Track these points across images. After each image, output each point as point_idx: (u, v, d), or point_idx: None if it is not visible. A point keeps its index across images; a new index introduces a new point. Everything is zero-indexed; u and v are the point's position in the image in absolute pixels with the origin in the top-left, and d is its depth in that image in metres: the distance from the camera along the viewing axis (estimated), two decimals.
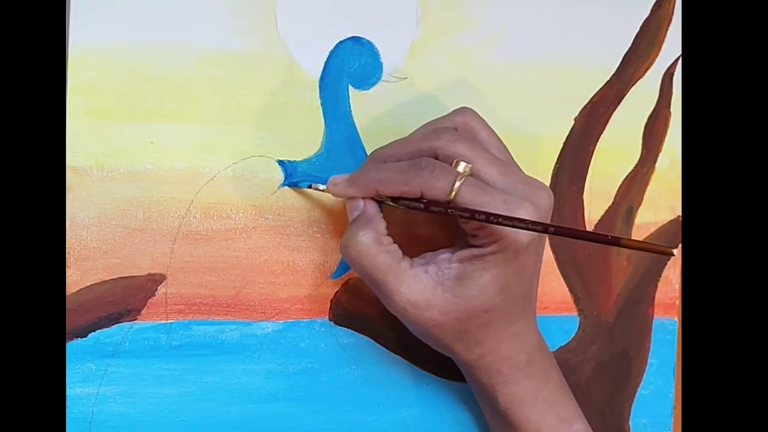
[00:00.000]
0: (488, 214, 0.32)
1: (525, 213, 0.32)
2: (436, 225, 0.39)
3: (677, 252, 0.27)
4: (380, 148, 0.36)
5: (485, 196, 0.33)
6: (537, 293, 0.37)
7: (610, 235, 0.30)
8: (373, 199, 0.35)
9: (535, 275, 0.36)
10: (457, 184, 0.32)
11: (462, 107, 0.36)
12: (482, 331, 0.34)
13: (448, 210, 0.32)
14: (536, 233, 0.33)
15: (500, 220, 0.31)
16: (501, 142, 0.36)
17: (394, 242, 0.34)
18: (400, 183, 0.33)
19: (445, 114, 0.36)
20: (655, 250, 0.29)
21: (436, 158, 0.34)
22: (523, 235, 0.33)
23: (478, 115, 0.36)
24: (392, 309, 0.34)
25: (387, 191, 0.34)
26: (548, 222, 0.34)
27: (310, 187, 0.37)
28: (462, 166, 0.33)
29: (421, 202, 0.33)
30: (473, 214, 0.32)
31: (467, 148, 0.34)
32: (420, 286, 0.33)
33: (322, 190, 0.36)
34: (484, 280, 0.33)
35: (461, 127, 0.35)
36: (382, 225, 0.34)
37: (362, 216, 0.34)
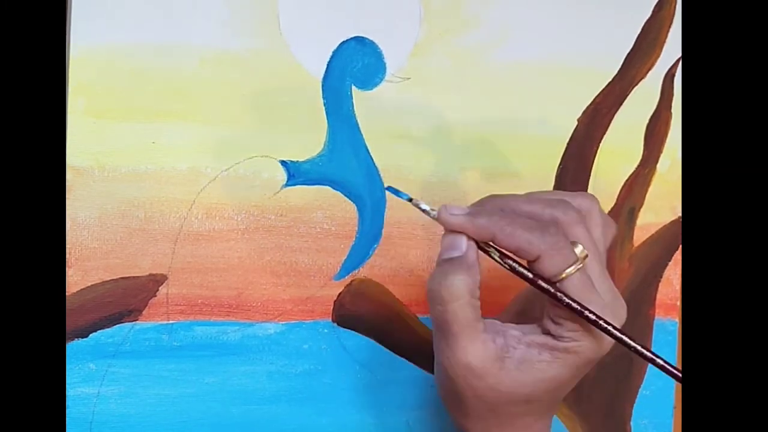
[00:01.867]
0: (596, 315, 0.30)
1: (616, 325, 0.31)
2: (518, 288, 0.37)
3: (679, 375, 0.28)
4: (499, 195, 0.33)
5: (591, 294, 0.31)
6: None
7: (673, 366, 0.29)
8: (478, 245, 0.32)
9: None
10: (573, 267, 0.31)
11: (588, 194, 0.34)
12: (510, 419, 0.33)
13: (556, 291, 0.30)
14: (609, 348, 0.32)
15: (602, 323, 0.30)
16: (606, 244, 0.34)
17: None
18: (523, 239, 0.31)
19: (569, 191, 0.34)
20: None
21: None
22: (604, 348, 0.31)
23: (600, 208, 0.34)
24: (446, 361, 0.32)
25: (504, 242, 0.31)
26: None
27: (410, 200, 0.33)
28: (580, 250, 0.31)
29: (529, 271, 0.31)
30: (582, 309, 0.30)
31: (585, 237, 0.32)
32: (484, 353, 0.31)
33: (425, 210, 0.33)
34: (544, 375, 0.31)
35: (585, 213, 0.33)
36: (478, 277, 0.32)
37: (463, 260, 0.31)
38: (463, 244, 0.32)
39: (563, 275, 0.31)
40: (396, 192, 0.33)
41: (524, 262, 0.32)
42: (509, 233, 0.31)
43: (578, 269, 0.31)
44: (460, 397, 0.32)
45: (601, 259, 0.32)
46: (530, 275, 0.31)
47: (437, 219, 0.32)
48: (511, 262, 0.32)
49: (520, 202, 0.32)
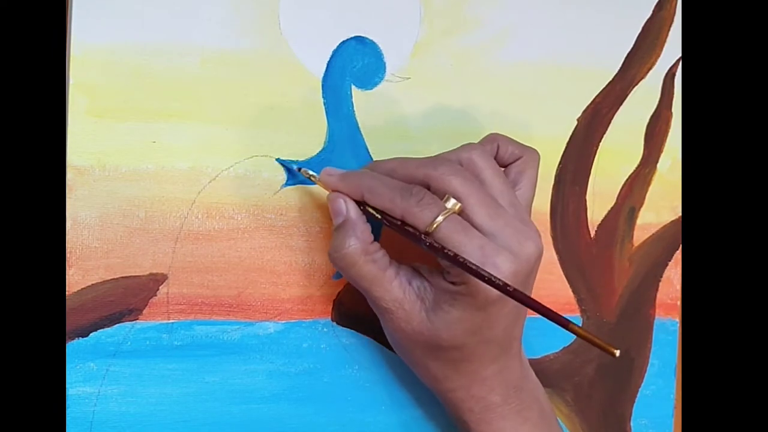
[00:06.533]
0: (457, 257, 0.31)
1: (501, 261, 0.31)
2: None
3: (617, 352, 0.28)
4: (381, 160, 0.36)
5: (463, 236, 0.32)
6: (520, 335, 0.36)
7: (563, 317, 0.29)
8: (357, 204, 0.34)
9: (515, 323, 0.35)
10: (440, 218, 0.32)
11: (469, 144, 0.35)
12: (450, 366, 0.34)
13: (421, 239, 0.32)
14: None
15: (468, 265, 0.31)
16: (506, 184, 0.35)
17: (382, 247, 0.34)
18: (386, 199, 0.33)
19: (453, 149, 0.35)
20: (599, 345, 0.28)
21: (428, 188, 0.33)
22: (493, 289, 0.32)
23: (486, 153, 0.35)
24: (377, 313, 0.35)
25: (372, 201, 0.34)
26: (532, 269, 0.33)
27: (299, 170, 0.37)
28: (451, 203, 0.33)
29: (399, 222, 0.33)
30: (442, 253, 0.31)
31: (461, 184, 0.33)
32: (402, 296, 0.34)
33: (310, 176, 0.36)
34: (451, 317, 0.33)
35: (465, 163, 0.34)
36: (367, 232, 0.34)
37: (347, 223, 0.34)
38: (343, 206, 0.34)
39: (430, 228, 0.32)
40: (285, 162, 0.37)
41: None
42: (375, 194, 0.33)
43: (445, 218, 0.32)
44: (400, 343, 0.35)
45: (485, 201, 0.33)
46: (398, 224, 0.33)
47: (318, 181, 0.35)
48: (385, 215, 0.33)
49: (397, 164, 0.35)
